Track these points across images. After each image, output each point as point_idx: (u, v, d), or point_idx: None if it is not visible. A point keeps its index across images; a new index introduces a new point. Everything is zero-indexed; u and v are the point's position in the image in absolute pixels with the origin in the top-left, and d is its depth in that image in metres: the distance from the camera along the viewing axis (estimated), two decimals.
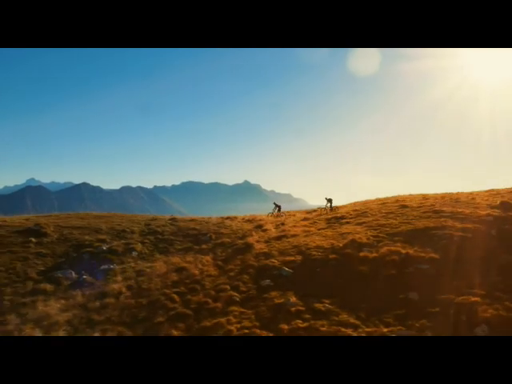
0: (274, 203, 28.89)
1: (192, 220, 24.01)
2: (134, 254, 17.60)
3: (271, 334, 11.04)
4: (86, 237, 18.90)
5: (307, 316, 11.86)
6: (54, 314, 12.31)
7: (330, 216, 24.72)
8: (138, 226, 21.45)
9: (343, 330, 11.11)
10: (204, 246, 18.81)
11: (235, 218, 26.32)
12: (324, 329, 11.18)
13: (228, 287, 14.08)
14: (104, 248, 17.57)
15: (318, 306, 12.44)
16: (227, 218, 26.10)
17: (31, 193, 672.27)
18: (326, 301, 12.77)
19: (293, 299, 12.88)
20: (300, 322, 11.56)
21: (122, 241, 18.72)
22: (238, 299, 13.26)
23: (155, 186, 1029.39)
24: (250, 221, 24.86)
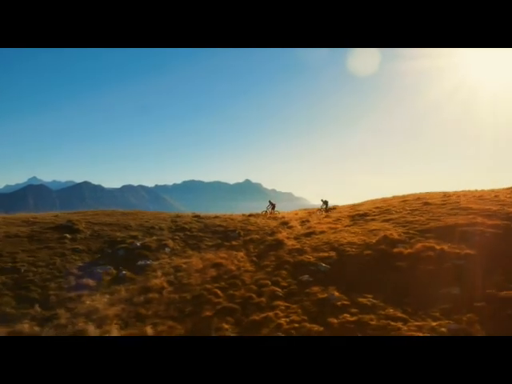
0: (269, 201, 28.98)
1: (216, 217, 24.15)
2: (167, 250, 17.75)
3: (321, 328, 11.19)
4: (118, 233, 19.06)
5: (354, 310, 12.01)
6: (102, 308, 12.47)
7: (353, 213, 24.86)
8: (165, 223, 21.60)
9: (392, 323, 11.26)
10: (234, 243, 18.95)
11: (257, 215, 26.48)
12: (373, 323, 11.33)
13: (269, 282, 14.23)
14: (138, 244, 17.72)
15: (363, 300, 12.59)
16: (250, 215, 26.25)
17: (33, 191, 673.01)
18: (369, 295, 12.91)
19: (336, 294, 13.02)
20: (348, 315, 11.71)
21: (154, 237, 18.87)
22: (280, 294, 13.41)
23: (156, 185, 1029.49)
24: (273, 218, 25.00)
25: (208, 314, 12.34)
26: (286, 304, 12.72)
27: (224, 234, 20.35)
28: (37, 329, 11.17)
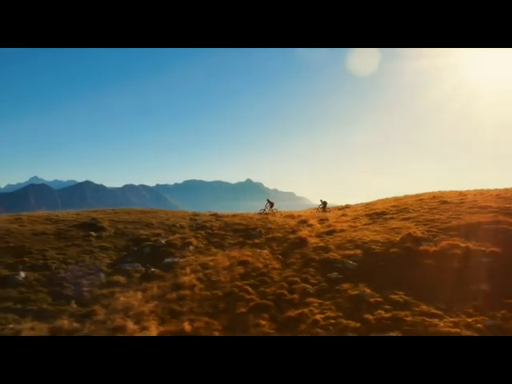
0: (267, 200, 29.03)
1: (234, 215, 24.27)
2: (191, 247, 17.88)
3: (358, 324, 11.31)
4: (141, 231, 19.19)
5: (387, 307, 12.12)
6: (137, 304, 12.61)
7: (369, 212, 24.96)
8: (185, 221, 21.73)
9: (428, 319, 11.38)
10: (257, 241, 19.07)
11: (274, 213, 26.59)
12: (409, 319, 11.45)
13: (298, 280, 14.34)
14: (162, 242, 17.85)
15: (395, 297, 12.70)
16: (266, 213, 26.36)
17: (34, 191, 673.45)
18: (400, 292, 13.02)
19: (367, 291, 13.14)
20: (383, 312, 11.82)
21: (177, 235, 19.00)
22: (312, 291, 13.53)
23: (157, 185, 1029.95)
24: (290, 216, 25.13)
25: (242, 310, 12.47)
26: (319, 301, 12.84)
27: (245, 232, 20.46)
28: (76, 325, 11.31)
